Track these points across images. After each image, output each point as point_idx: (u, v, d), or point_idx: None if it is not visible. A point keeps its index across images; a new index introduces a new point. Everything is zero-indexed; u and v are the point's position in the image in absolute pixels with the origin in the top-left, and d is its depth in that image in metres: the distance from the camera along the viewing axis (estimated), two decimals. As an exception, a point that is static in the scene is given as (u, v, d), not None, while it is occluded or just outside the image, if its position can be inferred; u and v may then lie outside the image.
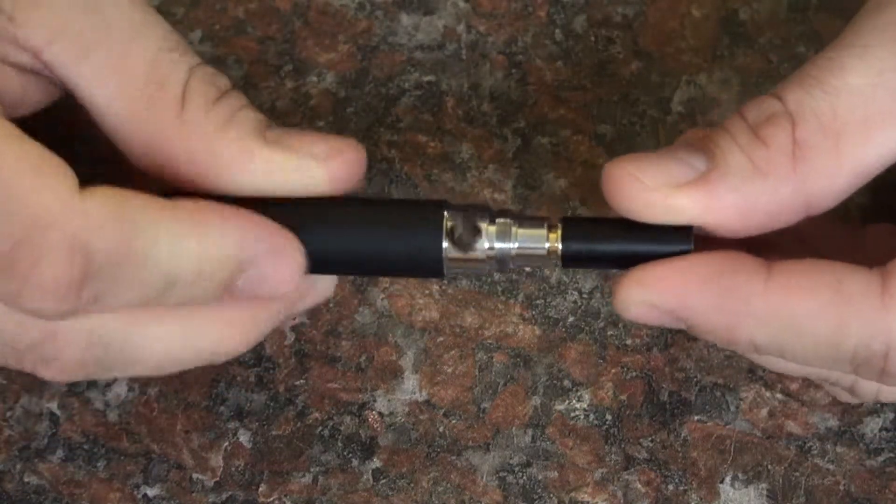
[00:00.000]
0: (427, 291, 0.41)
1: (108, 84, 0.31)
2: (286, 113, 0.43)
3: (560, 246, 0.33)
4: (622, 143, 0.42)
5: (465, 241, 0.33)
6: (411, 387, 0.40)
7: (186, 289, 0.31)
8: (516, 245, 0.33)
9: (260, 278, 0.32)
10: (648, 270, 0.32)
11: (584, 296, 0.41)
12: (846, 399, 0.38)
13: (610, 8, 0.44)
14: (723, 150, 0.31)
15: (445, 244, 0.33)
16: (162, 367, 0.34)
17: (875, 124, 0.31)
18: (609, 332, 0.40)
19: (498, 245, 0.33)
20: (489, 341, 0.41)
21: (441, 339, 0.41)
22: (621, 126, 0.43)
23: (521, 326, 0.41)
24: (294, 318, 0.41)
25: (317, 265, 0.33)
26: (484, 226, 0.33)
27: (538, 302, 0.41)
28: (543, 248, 0.33)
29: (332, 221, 0.33)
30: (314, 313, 0.41)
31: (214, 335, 0.33)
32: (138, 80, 0.31)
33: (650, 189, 0.31)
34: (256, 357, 0.41)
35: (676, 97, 0.43)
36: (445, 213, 0.33)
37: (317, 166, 0.32)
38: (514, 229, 0.33)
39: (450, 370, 0.40)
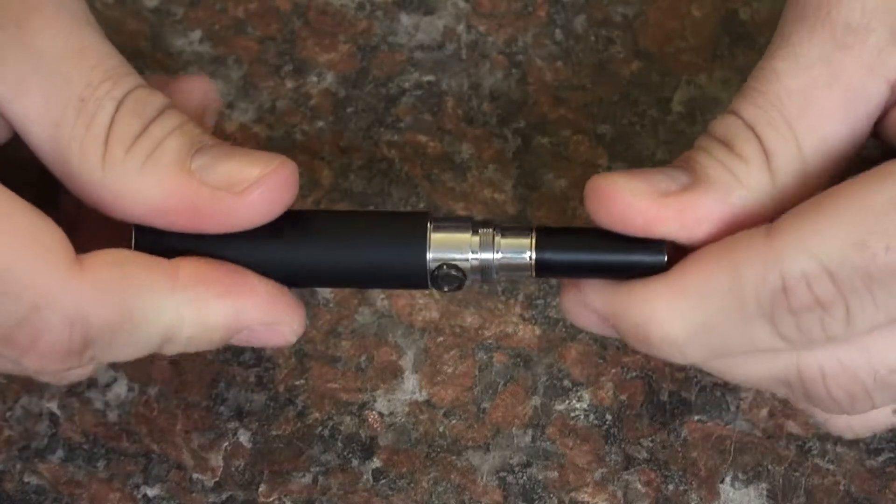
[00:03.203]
0: (427, 292, 0.41)
1: (42, 124, 0.32)
2: (286, 113, 0.43)
3: (534, 255, 0.33)
4: (622, 143, 0.42)
5: (449, 278, 0.33)
6: (411, 387, 0.40)
7: (182, 346, 0.33)
8: (500, 255, 0.33)
9: (254, 339, 0.34)
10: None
11: (584, 296, 0.41)
12: (849, 434, 0.37)
13: (610, 8, 0.44)
14: (703, 164, 0.32)
15: (429, 256, 0.33)
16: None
17: (822, 121, 0.31)
18: (609, 332, 0.40)
19: (481, 256, 0.33)
20: (489, 341, 0.41)
21: (441, 339, 0.41)
22: (621, 126, 0.43)
23: (521, 326, 0.41)
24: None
25: (299, 279, 0.34)
26: (468, 254, 0.33)
27: (538, 302, 0.41)
28: (526, 258, 0.33)
29: (314, 235, 0.33)
30: (314, 313, 0.41)
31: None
32: (68, 120, 0.31)
33: (634, 199, 0.32)
34: (256, 357, 0.41)
35: (676, 97, 0.43)
36: (429, 224, 0.33)
37: (233, 200, 0.32)
38: (497, 239, 0.33)
39: (450, 370, 0.40)
